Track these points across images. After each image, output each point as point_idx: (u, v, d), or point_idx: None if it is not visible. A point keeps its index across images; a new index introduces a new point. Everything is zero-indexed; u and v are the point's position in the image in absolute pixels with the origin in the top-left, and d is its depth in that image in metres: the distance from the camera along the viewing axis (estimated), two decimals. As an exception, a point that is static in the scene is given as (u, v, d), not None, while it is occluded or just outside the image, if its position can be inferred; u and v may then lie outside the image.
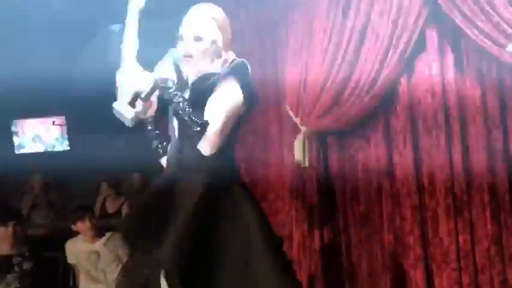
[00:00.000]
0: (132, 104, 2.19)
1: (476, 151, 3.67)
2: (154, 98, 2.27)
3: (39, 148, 7.78)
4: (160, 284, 2.20)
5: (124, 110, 2.18)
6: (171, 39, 2.40)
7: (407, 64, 3.89)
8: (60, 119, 7.68)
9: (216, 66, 2.35)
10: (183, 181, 2.25)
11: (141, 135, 2.48)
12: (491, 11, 3.47)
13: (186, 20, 2.33)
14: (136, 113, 2.20)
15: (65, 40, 5.69)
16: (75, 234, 4.72)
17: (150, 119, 2.36)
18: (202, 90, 2.27)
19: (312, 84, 4.19)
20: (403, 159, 3.93)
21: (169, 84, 2.20)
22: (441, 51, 3.80)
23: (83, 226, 4.61)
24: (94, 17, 5.26)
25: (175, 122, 2.37)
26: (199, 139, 2.22)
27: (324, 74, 4.12)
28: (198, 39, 2.30)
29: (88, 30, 5.60)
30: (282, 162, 4.51)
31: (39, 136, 7.81)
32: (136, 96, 2.18)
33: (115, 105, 2.22)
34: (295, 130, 4.29)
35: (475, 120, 3.68)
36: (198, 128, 2.17)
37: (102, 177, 6.52)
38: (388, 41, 3.87)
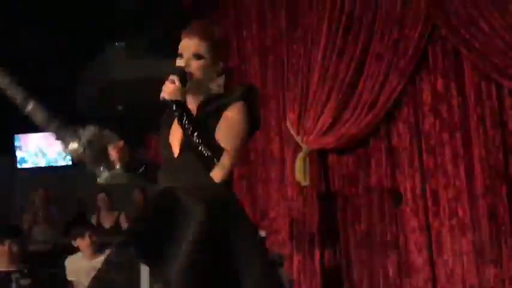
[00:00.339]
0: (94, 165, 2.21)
1: (479, 171, 3.66)
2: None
3: (41, 163, 7.79)
4: None
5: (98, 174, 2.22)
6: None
7: (409, 83, 3.90)
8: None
9: (217, 85, 2.32)
10: (185, 201, 2.21)
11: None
12: (491, 33, 3.48)
13: (186, 36, 2.31)
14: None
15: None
16: (76, 250, 4.71)
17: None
18: (210, 113, 2.25)
19: (313, 103, 4.20)
20: (407, 179, 3.92)
21: (174, 107, 2.17)
22: (444, 70, 3.80)
23: (83, 243, 4.60)
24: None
25: (176, 141, 2.32)
26: (208, 164, 2.19)
27: (325, 93, 4.13)
28: (198, 57, 2.28)
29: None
30: (283, 181, 4.50)
31: (42, 150, 7.83)
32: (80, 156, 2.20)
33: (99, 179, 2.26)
34: (296, 148, 4.29)
35: (479, 139, 3.68)
36: (209, 153, 2.14)
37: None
38: (389, 60, 3.88)
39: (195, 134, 2.14)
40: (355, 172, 4.19)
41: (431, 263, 3.81)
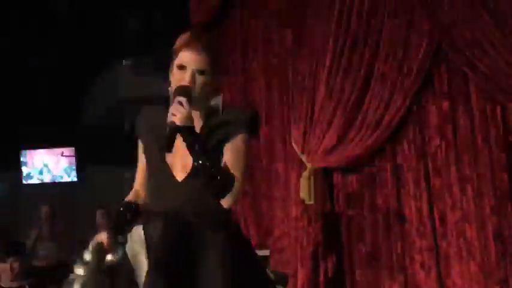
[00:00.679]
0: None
1: (485, 192, 3.65)
2: None
3: (47, 179, 7.79)
4: None
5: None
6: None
7: (415, 103, 3.90)
8: (69, 150, 7.71)
9: (215, 103, 2.26)
10: (198, 225, 2.20)
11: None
12: (495, 54, 3.49)
13: (189, 49, 2.13)
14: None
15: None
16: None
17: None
18: (217, 138, 2.22)
19: (318, 122, 4.20)
20: (412, 199, 3.92)
21: (186, 134, 2.13)
22: (449, 91, 3.81)
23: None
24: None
25: (180, 165, 2.27)
26: (216, 190, 2.17)
27: (330, 112, 4.14)
28: (201, 72, 2.14)
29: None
30: (288, 199, 4.49)
31: (47, 166, 7.84)
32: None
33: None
34: (301, 167, 4.29)
35: (484, 160, 3.67)
36: (220, 179, 2.12)
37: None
38: (394, 81, 3.89)
39: (206, 160, 2.06)
40: (360, 191, 4.18)
41: (440, 284, 3.78)
